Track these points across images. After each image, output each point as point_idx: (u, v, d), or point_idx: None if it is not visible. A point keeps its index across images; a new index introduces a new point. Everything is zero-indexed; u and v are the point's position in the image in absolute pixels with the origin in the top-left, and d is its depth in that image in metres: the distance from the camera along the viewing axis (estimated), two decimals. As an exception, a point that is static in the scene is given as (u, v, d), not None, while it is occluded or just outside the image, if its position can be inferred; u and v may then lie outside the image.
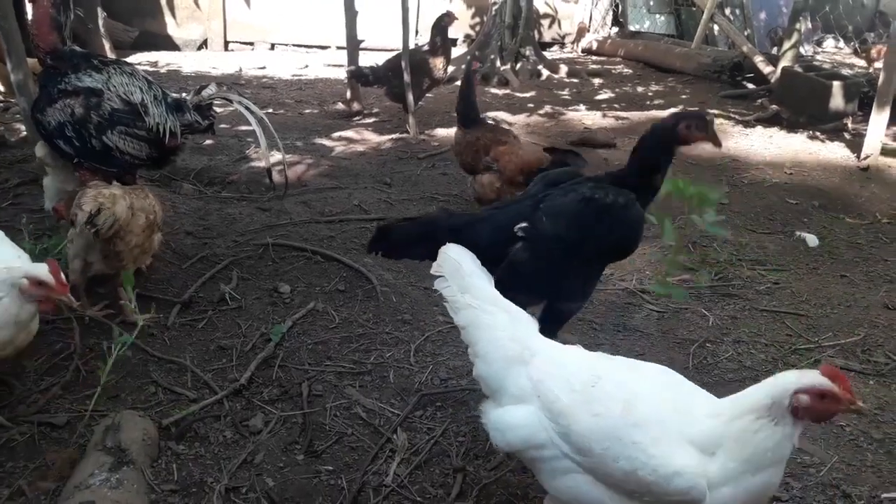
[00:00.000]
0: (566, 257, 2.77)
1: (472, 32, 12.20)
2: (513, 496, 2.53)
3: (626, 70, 11.51)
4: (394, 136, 6.90)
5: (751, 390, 1.96)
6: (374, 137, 6.87)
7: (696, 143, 2.89)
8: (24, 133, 5.21)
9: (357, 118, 7.66)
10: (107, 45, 8.72)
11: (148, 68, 9.52)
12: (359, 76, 7.36)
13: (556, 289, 2.85)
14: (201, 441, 2.71)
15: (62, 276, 2.57)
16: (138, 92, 3.65)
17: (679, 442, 1.92)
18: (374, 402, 3.00)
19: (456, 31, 11.01)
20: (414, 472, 2.62)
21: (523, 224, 2.77)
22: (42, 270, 2.52)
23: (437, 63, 7.32)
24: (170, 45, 11.36)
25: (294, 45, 12.00)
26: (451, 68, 7.88)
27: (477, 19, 12.25)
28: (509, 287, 2.65)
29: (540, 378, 2.10)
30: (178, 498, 2.43)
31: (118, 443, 2.47)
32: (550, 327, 2.84)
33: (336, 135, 6.87)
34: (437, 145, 6.73)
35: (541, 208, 2.79)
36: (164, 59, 10.45)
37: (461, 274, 2.31)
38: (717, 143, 2.93)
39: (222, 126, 6.08)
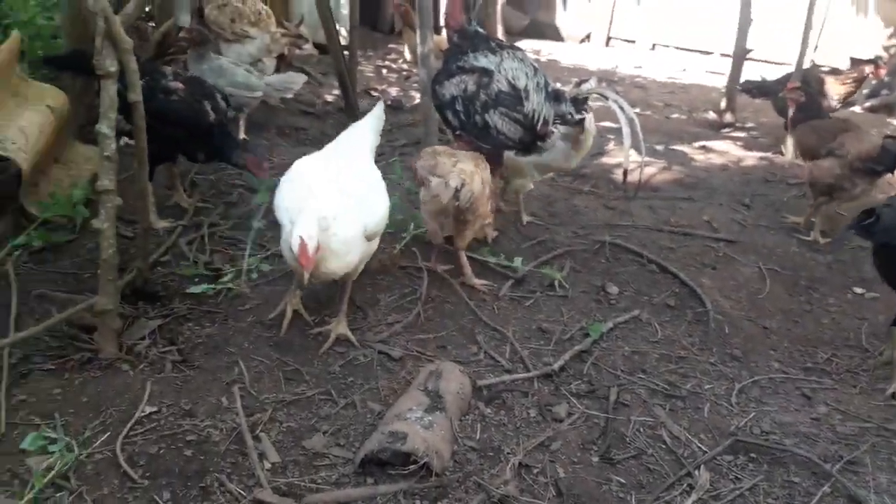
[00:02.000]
0: None
1: (884, 53, 10.56)
2: (820, 587, 2.20)
3: None
4: (764, 154, 6.34)
5: None
6: (740, 153, 6.39)
7: None
8: (417, 101, 5.93)
9: (727, 130, 7.19)
10: (500, 29, 9.44)
11: (531, 55, 10.10)
12: (745, 89, 6.97)
13: None
14: (507, 411, 2.84)
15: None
16: (524, 78, 3.85)
17: None
18: (681, 431, 2.83)
19: (863, 49, 9.68)
20: (709, 518, 2.42)
21: None
22: None
23: (834, 89, 6.51)
24: (555, 35, 11.89)
25: (675, 48, 11.69)
26: (854, 96, 6.98)
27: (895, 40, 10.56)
28: None
29: None
30: (475, 455, 2.58)
31: (437, 389, 2.70)
32: None
33: (699, 144, 6.54)
34: (812, 174, 6.00)
35: None
36: (546, 49, 11.00)
37: None
38: None
39: (587, 119, 6.20)
